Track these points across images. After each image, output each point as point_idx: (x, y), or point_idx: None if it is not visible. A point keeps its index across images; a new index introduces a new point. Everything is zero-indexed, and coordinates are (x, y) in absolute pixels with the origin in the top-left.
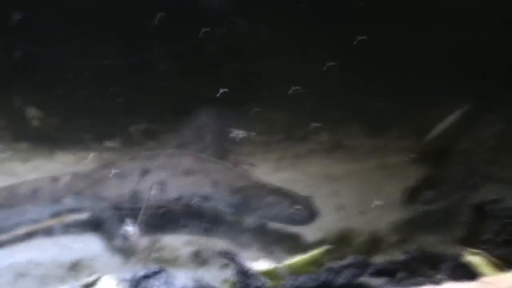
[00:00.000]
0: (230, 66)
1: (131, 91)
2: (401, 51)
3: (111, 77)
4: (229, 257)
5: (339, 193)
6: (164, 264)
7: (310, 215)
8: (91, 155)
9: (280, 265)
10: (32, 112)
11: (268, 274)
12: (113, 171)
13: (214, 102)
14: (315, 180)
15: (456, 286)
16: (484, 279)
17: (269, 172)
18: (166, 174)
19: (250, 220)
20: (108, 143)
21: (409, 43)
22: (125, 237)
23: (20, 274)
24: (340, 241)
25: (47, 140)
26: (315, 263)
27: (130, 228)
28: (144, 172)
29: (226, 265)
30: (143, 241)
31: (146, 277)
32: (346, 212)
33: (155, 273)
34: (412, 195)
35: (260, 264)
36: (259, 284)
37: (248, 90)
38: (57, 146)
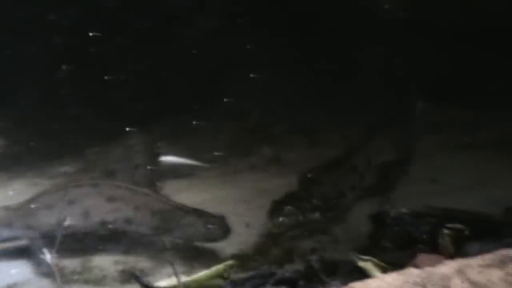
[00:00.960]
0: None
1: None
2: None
3: None
4: (133, 276)
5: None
6: (92, 283)
7: (223, 233)
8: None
9: (184, 280)
10: None
11: None
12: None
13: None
14: (248, 195)
15: None
16: (352, 284)
17: (204, 189)
18: (90, 202)
19: (169, 240)
20: (62, 168)
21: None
22: (47, 264)
23: None
24: (258, 254)
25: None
26: (220, 276)
27: (47, 256)
28: (70, 202)
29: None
30: (67, 265)
31: None
32: None
33: None
34: (275, 209)
35: (166, 281)
36: None
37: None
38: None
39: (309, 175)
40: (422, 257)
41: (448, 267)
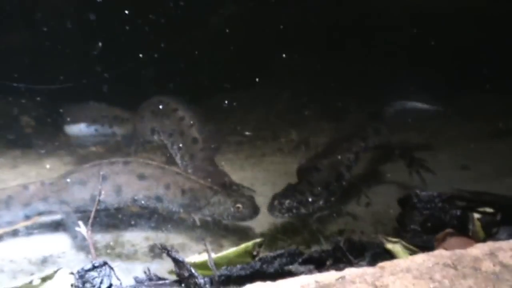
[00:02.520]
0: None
1: None
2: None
3: None
4: (165, 251)
5: None
6: (124, 257)
7: (251, 212)
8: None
9: (214, 256)
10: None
11: (199, 265)
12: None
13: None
14: (273, 177)
15: (356, 272)
16: (381, 264)
17: (233, 170)
18: (122, 179)
19: (199, 217)
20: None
21: None
22: (81, 237)
23: None
24: (286, 234)
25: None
26: (249, 254)
27: (82, 229)
28: (103, 178)
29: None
30: (100, 239)
31: (90, 269)
32: None
33: (99, 266)
34: (274, 202)
35: (195, 257)
36: (191, 274)
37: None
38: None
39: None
40: (451, 241)
41: (479, 250)
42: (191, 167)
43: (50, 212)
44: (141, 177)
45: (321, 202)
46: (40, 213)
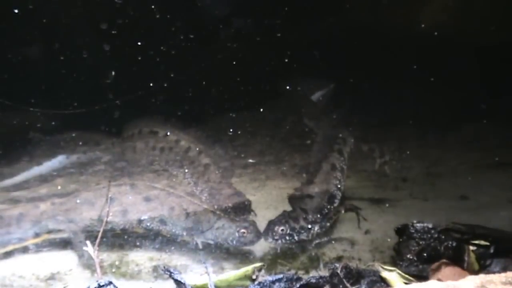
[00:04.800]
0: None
1: None
2: None
3: None
4: (168, 272)
5: None
6: (128, 276)
7: (255, 237)
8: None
9: (214, 279)
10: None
11: (200, 287)
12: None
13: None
14: (276, 202)
15: None
16: None
17: None
18: (129, 201)
19: (201, 240)
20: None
21: None
22: (88, 256)
23: (4, 285)
24: (285, 259)
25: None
26: (248, 277)
27: (89, 248)
28: (110, 199)
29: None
30: (106, 258)
31: None
32: None
33: (104, 286)
34: (268, 229)
35: (196, 279)
36: None
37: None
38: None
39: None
40: (446, 271)
41: (470, 282)
42: (208, 192)
43: (58, 231)
44: (147, 199)
45: (316, 228)
46: (49, 231)
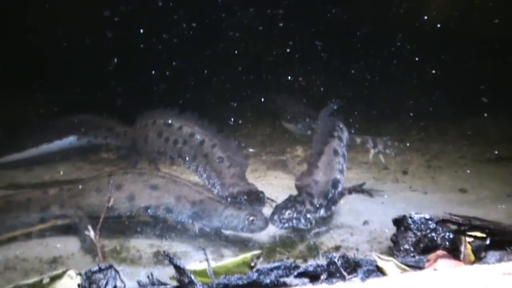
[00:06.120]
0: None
1: None
2: None
3: None
4: (167, 258)
5: None
6: (129, 262)
7: (264, 224)
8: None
9: (213, 265)
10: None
11: (199, 273)
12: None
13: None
14: (275, 191)
15: (346, 286)
16: (371, 280)
17: None
18: (136, 188)
19: (201, 228)
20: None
21: None
22: (90, 241)
23: (8, 267)
24: (284, 247)
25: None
26: (247, 265)
27: (91, 233)
28: (118, 187)
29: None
30: (108, 243)
31: (97, 271)
32: None
33: (105, 269)
34: (275, 214)
35: (196, 265)
36: (190, 281)
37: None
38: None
39: None
40: (442, 262)
41: (466, 272)
42: (220, 185)
43: (65, 217)
44: (154, 187)
45: (322, 211)
46: (57, 217)
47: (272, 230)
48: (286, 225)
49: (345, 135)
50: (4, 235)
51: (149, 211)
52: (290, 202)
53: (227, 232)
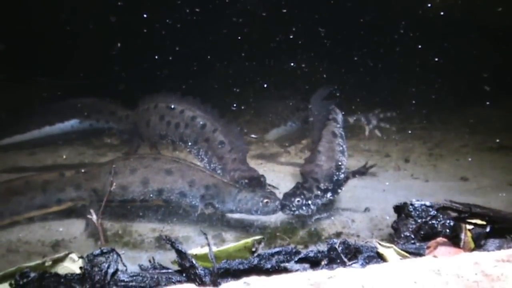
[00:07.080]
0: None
1: None
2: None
3: None
4: (169, 242)
5: None
6: (131, 246)
7: (277, 206)
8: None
9: (215, 250)
10: None
11: (200, 257)
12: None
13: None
14: (277, 178)
15: (346, 272)
16: (371, 266)
17: None
18: (150, 173)
19: (220, 211)
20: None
21: None
22: (93, 224)
23: (10, 250)
24: (285, 233)
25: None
26: (248, 250)
27: (94, 217)
28: (132, 171)
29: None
30: (110, 227)
31: (99, 255)
32: None
33: (107, 252)
34: (285, 202)
35: (197, 249)
36: (192, 265)
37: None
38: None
39: None
40: (442, 249)
41: (464, 258)
42: (222, 169)
43: (80, 199)
44: (168, 172)
45: (329, 195)
46: (72, 200)
47: (274, 216)
48: (297, 212)
49: (339, 116)
50: (21, 215)
51: (163, 195)
52: (298, 190)
53: (230, 216)
